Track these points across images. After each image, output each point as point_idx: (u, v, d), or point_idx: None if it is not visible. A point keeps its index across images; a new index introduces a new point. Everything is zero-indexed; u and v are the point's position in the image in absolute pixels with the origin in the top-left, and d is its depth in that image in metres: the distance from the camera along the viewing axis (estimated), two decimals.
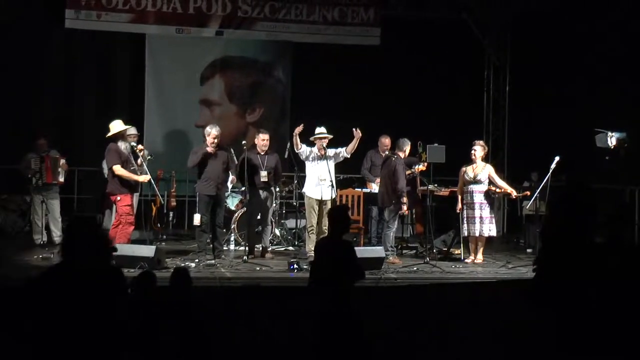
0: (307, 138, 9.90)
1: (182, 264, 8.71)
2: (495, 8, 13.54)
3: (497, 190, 9.76)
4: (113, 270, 3.94)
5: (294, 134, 9.64)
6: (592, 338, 4.12)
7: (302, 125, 9.62)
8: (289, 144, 10.75)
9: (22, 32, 12.03)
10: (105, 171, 10.64)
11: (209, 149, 9.26)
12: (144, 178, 8.98)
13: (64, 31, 12.28)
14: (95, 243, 3.83)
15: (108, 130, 8.94)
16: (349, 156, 9.91)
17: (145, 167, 9.09)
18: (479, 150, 9.70)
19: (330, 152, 9.76)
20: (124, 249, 8.06)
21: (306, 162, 9.86)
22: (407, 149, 9.85)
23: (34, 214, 10.44)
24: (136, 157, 9.00)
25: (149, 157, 9.65)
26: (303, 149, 9.72)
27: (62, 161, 10.47)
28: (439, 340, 5.95)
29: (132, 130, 10.12)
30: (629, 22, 10.83)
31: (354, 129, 9.70)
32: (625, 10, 10.89)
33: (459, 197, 9.79)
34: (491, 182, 9.71)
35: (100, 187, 10.69)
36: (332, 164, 9.75)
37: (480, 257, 9.72)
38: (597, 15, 11.38)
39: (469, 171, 9.66)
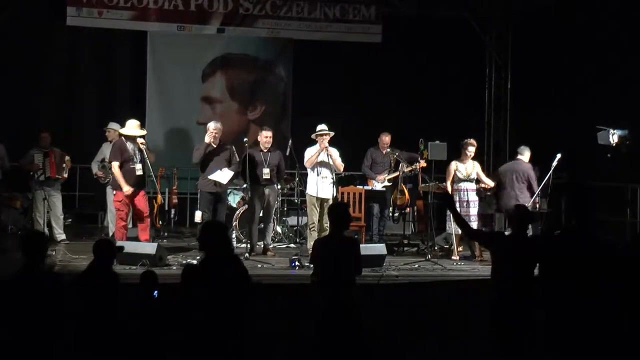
0: (309, 136, 9.90)
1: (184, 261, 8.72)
2: (496, 6, 13.53)
3: (488, 186, 9.79)
4: (235, 257, 5.22)
5: (318, 152, 9.61)
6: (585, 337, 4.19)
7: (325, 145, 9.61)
8: (290, 141, 10.76)
9: (23, 29, 12.03)
10: (94, 169, 10.74)
11: (209, 140, 9.33)
12: (127, 190, 8.86)
13: (65, 29, 12.27)
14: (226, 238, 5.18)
15: (122, 125, 9.42)
16: (340, 172, 10.01)
17: (148, 163, 9.11)
18: (473, 150, 9.73)
19: (334, 153, 9.71)
20: (127, 247, 8.06)
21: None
22: (528, 154, 9.85)
23: (36, 211, 10.44)
24: (143, 155, 9.09)
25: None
26: (310, 162, 9.76)
27: (67, 158, 10.49)
28: (440, 338, 5.96)
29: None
30: (630, 19, 10.82)
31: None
32: (626, 9, 10.88)
33: (449, 191, 9.62)
34: (477, 179, 9.74)
35: (101, 185, 10.73)
36: (333, 161, 9.73)
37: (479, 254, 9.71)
38: (598, 13, 11.37)
39: (462, 169, 9.64)
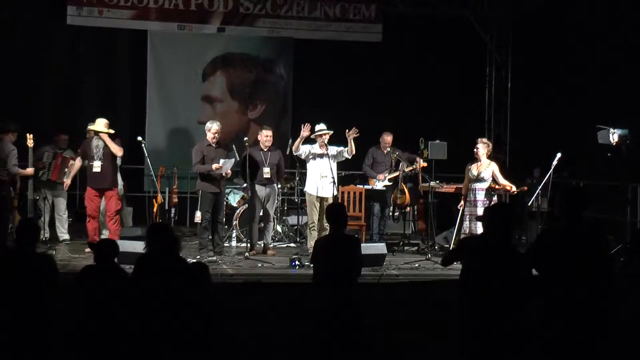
0: (308, 137, 9.88)
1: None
2: (496, 5, 13.54)
3: (497, 186, 9.74)
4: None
5: (301, 137, 9.56)
6: None
7: (308, 127, 9.53)
8: (290, 140, 10.75)
9: (24, 29, 12.04)
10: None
11: (210, 141, 9.37)
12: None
13: (65, 28, 12.28)
14: None
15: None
16: (350, 157, 9.85)
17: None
18: (481, 148, 9.65)
19: (333, 150, 9.72)
20: (125, 246, 8.05)
21: (307, 160, 9.85)
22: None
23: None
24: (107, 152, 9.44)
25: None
26: (301, 150, 9.68)
27: (71, 162, 10.39)
28: (440, 338, 5.95)
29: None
30: (631, 18, 10.82)
31: (347, 131, 9.60)
32: (627, 7, 10.88)
33: (464, 194, 9.71)
34: (494, 179, 9.69)
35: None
36: (333, 160, 9.72)
37: None
38: (599, 12, 11.38)
39: (473, 169, 9.62)
